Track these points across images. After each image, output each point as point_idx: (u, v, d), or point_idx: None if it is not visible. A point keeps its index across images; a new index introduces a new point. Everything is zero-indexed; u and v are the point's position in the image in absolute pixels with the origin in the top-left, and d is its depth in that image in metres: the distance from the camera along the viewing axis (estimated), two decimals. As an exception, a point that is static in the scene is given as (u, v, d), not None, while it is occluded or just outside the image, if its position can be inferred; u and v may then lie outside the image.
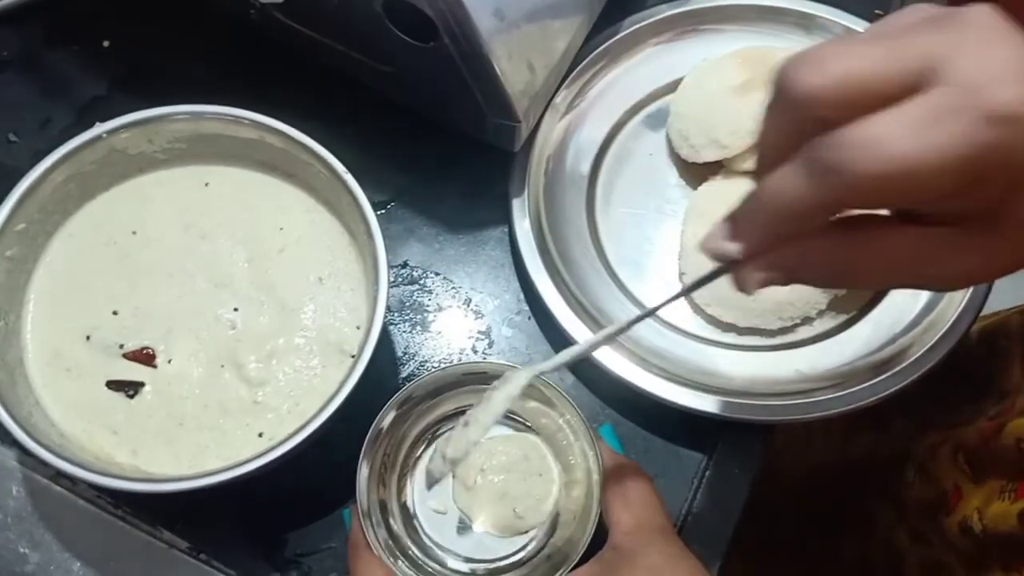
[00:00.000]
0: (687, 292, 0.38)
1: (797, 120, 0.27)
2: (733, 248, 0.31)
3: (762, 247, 0.30)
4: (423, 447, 0.48)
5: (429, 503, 0.47)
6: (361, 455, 0.43)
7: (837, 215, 0.29)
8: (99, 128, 0.48)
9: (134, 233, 0.50)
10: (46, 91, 0.60)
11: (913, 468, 0.55)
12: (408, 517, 0.46)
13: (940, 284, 0.32)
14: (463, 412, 0.46)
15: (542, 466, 0.47)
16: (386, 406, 0.43)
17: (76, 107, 0.59)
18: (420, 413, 0.47)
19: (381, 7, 0.44)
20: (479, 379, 0.46)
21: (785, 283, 0.31)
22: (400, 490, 0.47)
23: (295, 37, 0.52)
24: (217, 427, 0.46)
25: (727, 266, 0.32)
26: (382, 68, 0.52)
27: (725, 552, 0.49)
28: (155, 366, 0.47)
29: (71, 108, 0.59)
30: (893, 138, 0.24)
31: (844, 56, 0.26)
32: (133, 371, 0.47)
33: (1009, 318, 0.59)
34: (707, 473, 0.51)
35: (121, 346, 0.48)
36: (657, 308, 0.37)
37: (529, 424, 0.48)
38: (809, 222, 0.28)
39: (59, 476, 0.49)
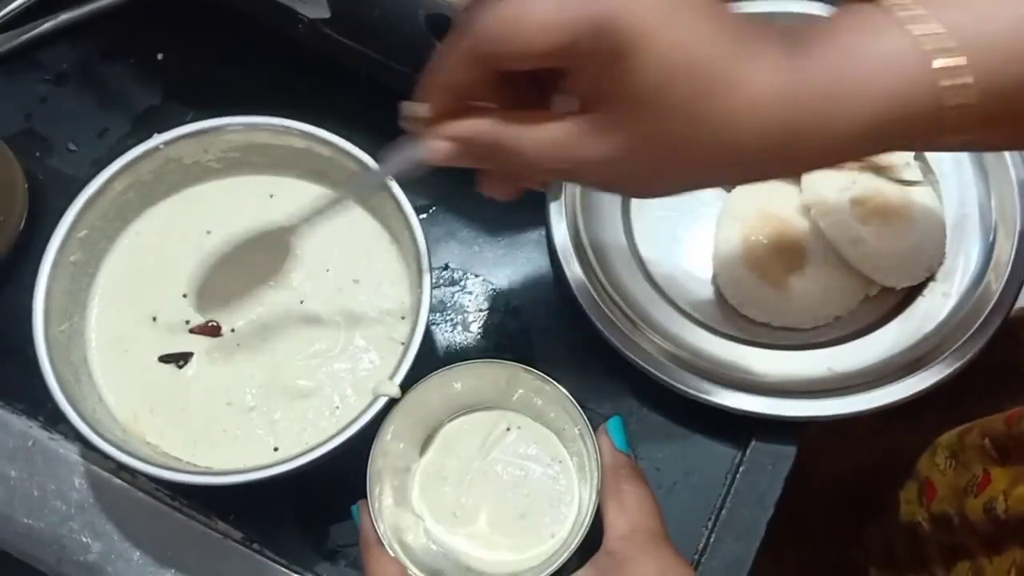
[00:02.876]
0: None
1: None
2: (422, 108, 0.36)
3: (439, 107, 0.36)
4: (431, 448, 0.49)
5: (436, 502, 0.47)
6: (371, 456, 0.44)
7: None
8: (157, 139, 0.50)
9: (208, 232, 0.53)
10: (103, 102, 0.62)
11: (944, 454, 0.56)
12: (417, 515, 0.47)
13: (590, 174, 0.36)
14: (467, 413, 0.48)
15: (565, 496, 0.47)
16: (387, 419, 0.44)
17: (132, 117, 0.61)
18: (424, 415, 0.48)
19: (424, 22, 0.46)
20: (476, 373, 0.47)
21: (464, 158, 0.36)
22: (410, 487, 0.47)
23: (341, 49, 0.54)
24: (270, 419, 0.49)
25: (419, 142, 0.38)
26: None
27: (758, 548, 0.50)
28: (220, 335, 0.50)
29: (127, 118, 0.61)
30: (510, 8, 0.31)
31: None
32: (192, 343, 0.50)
33: None
34: (740, 469, 0.51)
35: (187, 322, 0.51)
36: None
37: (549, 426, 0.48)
38: (465, 75, 0.34)
39: (120, 469, 0.52)
